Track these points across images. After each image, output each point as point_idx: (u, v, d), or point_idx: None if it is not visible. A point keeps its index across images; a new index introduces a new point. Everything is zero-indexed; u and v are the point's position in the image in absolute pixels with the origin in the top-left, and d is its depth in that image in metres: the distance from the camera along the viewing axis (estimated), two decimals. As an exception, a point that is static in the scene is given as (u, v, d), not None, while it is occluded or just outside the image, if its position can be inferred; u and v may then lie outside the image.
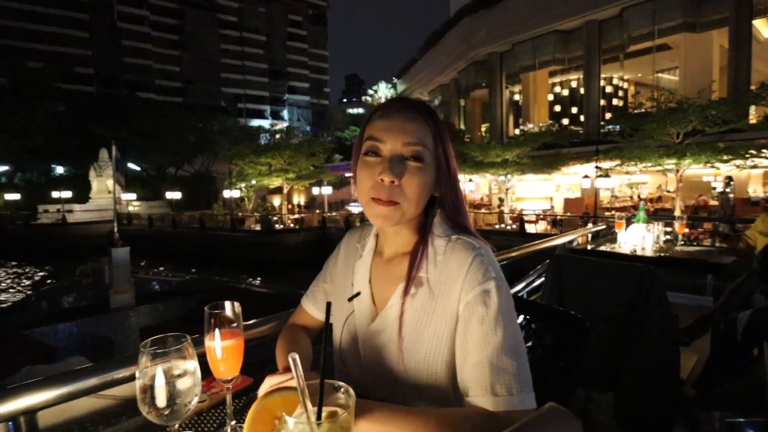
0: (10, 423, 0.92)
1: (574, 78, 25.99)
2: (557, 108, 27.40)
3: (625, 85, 26.68)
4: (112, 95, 42.49)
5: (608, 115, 23.46)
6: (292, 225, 20.52)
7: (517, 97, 28.72)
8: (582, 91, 24.15)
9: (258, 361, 1.17)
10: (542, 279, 2.47)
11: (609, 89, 25.65)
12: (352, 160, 0.91)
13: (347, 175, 30.39)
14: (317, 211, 24.41)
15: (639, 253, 2.94)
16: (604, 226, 4.32)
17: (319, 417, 0.54)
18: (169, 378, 0.73)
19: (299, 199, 33.00)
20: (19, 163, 33.77)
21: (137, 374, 0.73)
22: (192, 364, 0.74)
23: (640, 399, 1.86)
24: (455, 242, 0.85)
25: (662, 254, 2.87)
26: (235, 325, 0.81)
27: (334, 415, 0.53)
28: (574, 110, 26.19)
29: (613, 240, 3.43)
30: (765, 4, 17.79)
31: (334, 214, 21.76)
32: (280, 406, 0.59)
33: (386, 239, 0.94)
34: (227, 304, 0.81)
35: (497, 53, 26.75)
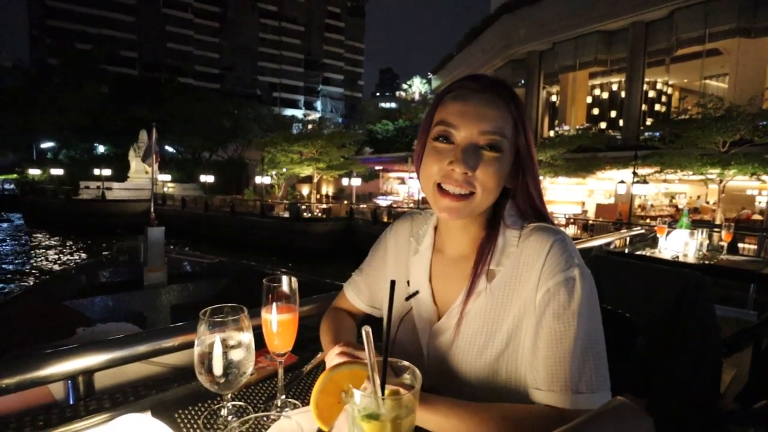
0: (69, 381, 0.97)
1: (616, 81, 25.16)
2: (595, 111, 26.61)
3: (670, 91, 25.66)
4: (154, 79, 43.80)
5: (649, 121, 22.62)
6: (319, 214, 20.72)
7: (554, 97, 28.05)
8: (623, 94, 23.35)
9: (301, 339, 1.19)
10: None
11: (652, 94, 24.72)
12: (416, 143, 0.85)
13: (377, 168, 30.46)
14: (345, 202, 24.58)
15: (681, 259, 2.83)
16: (643, 230, 4.19)
17: (382, 393, 0.54)
18: (226, 347, 0.75)
19: (328, 189, 33.31)
20: (65, 141, 35.36)
21: (196, 341, 0.75)
22: (247, 336, 0.76)
23: (676, 408, 1.80)
24: (531, 231, 0.79)
25: (706, 262, 2.76)
26: (291, 299, 0.82)
27: (398, 394, 0.53)
28: (613, 114, 25.38)
29: (653, 245, 3.32)
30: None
31: (361, 206, 21.85)
32: (347, 379, 0.60)
33: (449, 235, 0.87)
34: (284, 278, 0.82)
35: (536, 52, 26.15)
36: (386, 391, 0.54)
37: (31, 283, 12.00)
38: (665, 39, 21.03)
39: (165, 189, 29.72)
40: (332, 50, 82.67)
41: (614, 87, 25.58)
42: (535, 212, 0.83)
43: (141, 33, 60.68)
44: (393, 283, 0.62)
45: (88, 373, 0.95)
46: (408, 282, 0.90)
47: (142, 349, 1.01)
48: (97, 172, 27.54)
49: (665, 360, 1.82)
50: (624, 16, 21.50)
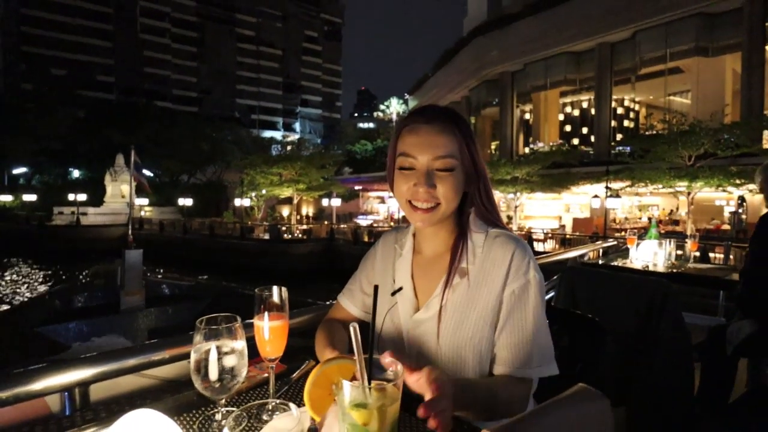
0: (66, 394, 0.99)
1: (585, 98, 26.08)
2: (568, 128, 27.45)
3: (637, 107, 26.69)
4: (131, 103, 43.30)
5: (619, 137, 23.46)
6: (300, 235, 20.61)
7: (527, 116, 28.85)
8: (593, 111, 24.23)
9: (288, 351, 1.23)
10: (553, 293, 2.50)
11: (620, 110, 25.68)
12: (387, 168, 1.01)
13: (356, 188, 30.57)
14: (325, 222, 24.52)
15: (651, 269, 2.96)
16: (615, 242, 4.35)
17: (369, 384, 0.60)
18: (220, 354, 0.80)
19: (308, 210, 33.19)
20: (38, 166, 34.50)
21: (192, 349, 0.79)
22: (240, 344, 0.81)
23: (653, 414, 1.86)
24: (496, 236, 0.96)
25: (674, 270, 2.89)
26: (281, 308, 0.88)
27: (383, 387, 0.59)
28: (585, 130, 26.22)
29: (624, 256, 3.45)
30: (779, 31, 17.84)
31: (342, 225, 21.84)
32: (336, 373, 0.67)
33: (424, 239, 1.03)
34: (275, 288, 0.88)
35: (509, 72, 26.99)
36: (372, 384, 0.60)
37: (2, 310, 11.55)
38: (630, 59, 22.04)
39: (142, 213, 29.17)
40: (310, 72, 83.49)
41: (584, 104, 26.49)
42: (488, 210, 1.00)
43: (118, 58, 60.28)
44: (376, 288, 0.72)
45: (85, 385, 0.98)
46: (394, 280, 1.04)
47: (136, 361, 1.04)
48: (71, 197, 26.92)
49: (639, 366, 1.90)
50: (590, 38, 22.48)
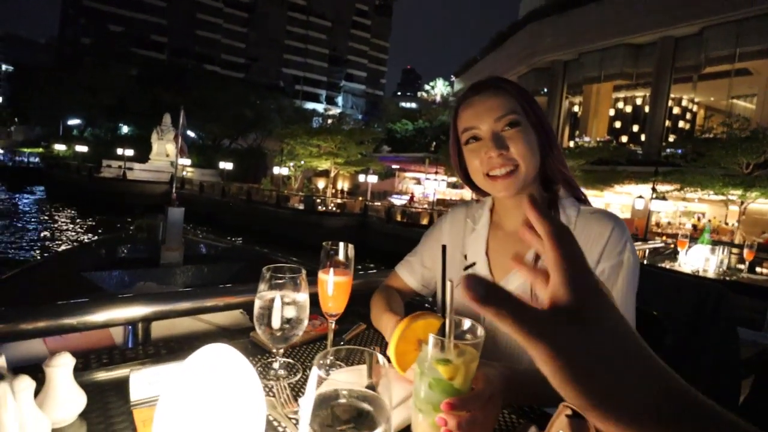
0: (129, 327, 1.05)
1: (640, 95, 24.85)
2: (617, 124, 26.31)
3: (695, 108, 25.26)
4: (181, 64, 44.39)
5: (672, 138, 22.31)
6: (334, 208, 20.81)
7: (576, 108, 27.81)
8: (647, 109, 23.08)
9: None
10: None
11: (676, 110, 24.37)
12: (451, 155, 0.99)
13: (394, 166, 30.48)
14: (360, 198, 24.64)
15: (701, 274, 2.84)
16: (662, 244, 4.18)
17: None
18: (284, 303, 0.81)
19: (344, 184, 33.42)
20: (91, 119, 36.06)
21: (257, 296, 0.81)
22: (303, 296, 0.83)
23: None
24: (592, 212, 0.90)
25: (726, 278, 2.77)
26: (347, 265, 0.89)
27: (468, 345, 0.61)
28: (635, 128, 25.08)
29: (672, 259, 3.32)
30: None
31: (376, 203, 21.89)
32: (422, 328, 0.68)
33: (506, 212, 0.98)
34: (341, 244, 0.88)
35: (561, 61, 25.95)
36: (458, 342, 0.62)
37: (50, 254, 12.32)
38: (694, 56, 20.74)
39: (184, 173, 30.12)
40: (357, 47, 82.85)
41: (638, 101, 25.26)
42: (567, 178, 0.94)
43: (171, 18, 61.53)
44: (444, 247, 0.71)
45: (146, 320, 1.03)
46: (465, 256, 1.00)
47: (192, 304, 1.08)
48: (119, 151, 28.04)
49: (685, 368, 1.83)
50: (653, 31, 21.24)
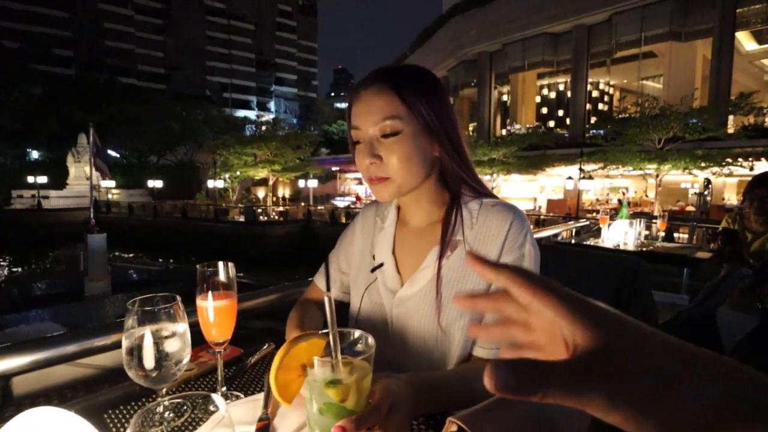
0: (-17, 387, 0.88)
1: (562, 81, 26.34)
2: (544, 110, 27.75)
3: (611, 90, 27.14)
4: (92, 79, 41.14)
5: (593, 119, 23.87)
6: (276, 217, 20.33)
7: (505, 97, 28.98)
8: (569, 94, 24.50)
9: (248, 334, 1.15)
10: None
11: (595, 93, 26.07)
12: (351, 154, 0.92)
13: (334, 168, 30.28)
14: (302, 204, 24.24)
15: (621, 247, 2.99)
16: (588, 222, 4.39)
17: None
18: (158, 339, 0.70)
19: (284, 191, 32.74)
20: (-7, 146, 32.68)
21: (124, 334, 0.70)
22: (182, 326, 0.72)
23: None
24: (492, 205, 0.88)
25: (644, 249, 2.92)
26: (228, 286, 0.79)
27: (356, 361, 0.56)
28: (561, 113, 26.56)
29: (597, 235, 3.48)
30: (748, 18, 18.29)
31: (319, 207, 21.64)
32: (305, 351, 0.61)
33: (408, 210, 0.95)
34: (221, 264, 0.78)
35: (487, 53, 26.93)
36: (345, 359, 0.57)
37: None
38: (606, 41, 22.27)
39: (109, 196, 28.16)
40: (284, 49, 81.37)
41: (561, 87, 26.77)
42: (465, 176, 0.89)
43: (76, 30, 57.06)
44: (327, 259, 0.70)
45: (4, 377, 0.87)
46: (373, 257, 0.96)
47: (67, 349, 0.93)
48: (31, 179, 25.69)
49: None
50: (568, 19, 22.57)
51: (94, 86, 36.02)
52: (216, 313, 0.76)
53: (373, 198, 0.96)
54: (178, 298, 0.72)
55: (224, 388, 0.80)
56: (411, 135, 0.81)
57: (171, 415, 0.73)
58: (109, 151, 30.67)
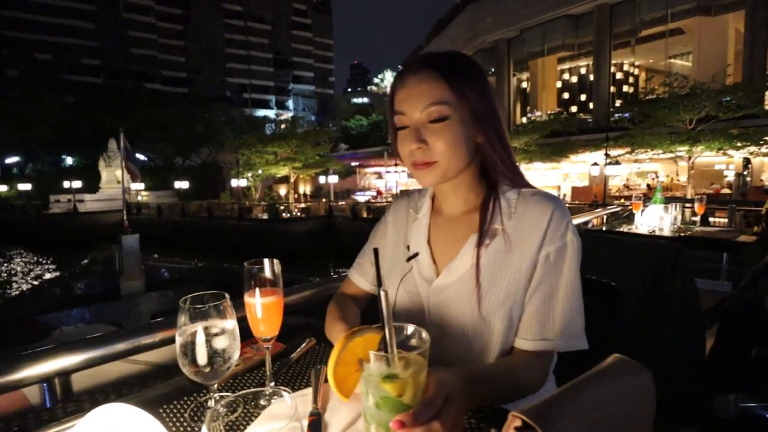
0: (45, 384, 0.92)
1: (584, 64, 25.60)
2: (566, 95, 27.04)
3: (636, 72, 26.24)
4: (119, 86, 42.40)
5: (618, 102, 23.15)
6: (298, 214, 20.54)
7: (524, 84, 28.39)
8: (591, 77, 23.81)
9: (286, 330, 1.16)
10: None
11: (619, 75, 25.24)
12: (391, 141, 0.92)
13: (353, 164, 30.36)
14: (323, 200, 24.43)
15: (657, 233, 2.89)
16: (618, 209, 4.27)
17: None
18: (209, 335, 0.72)
19: (305, 188, 33.03)
20: (29, 154, 34.10)
21: (177, 332, 0.72)
22: (231, 323, 0.73)
23: (664, 378, 1.82)
24: (532, 195, 0.88)
25: (681, 234, 2.82)
26: (275, 283, 0.80)
27: (412, 355, 0.56)
28: (583, 97, 25.84)
29: (629, 222, 3.39)
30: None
31: (340, 202, 21.76)
32: (361, 346, 0.62)
33: (445, 198, 0.95)
34: (266, 261, 0.79)
35: (504, 40, 26.39)
36: (401, 353, 0.58)
37: (1, 300, 11.58)
38: (629, 20, 21.50)
39: (139, 198, 29.00)
40: (301, 48, 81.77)
41: (583, 71, 26.02)
42: (506, 166, 0.89)
43: (103, 40, 58.80)
44: (376, 251, 0.70)
45: (65, 374, 0.91)
46: (408, 247, 0.96)
47: (120, 347, 0.97)
48: (67, 184, 26.68)
49: (650, 329, 1.85)
50: (588, 0, 21.89)
51: (122, 93, 37.11)
52: (264, 309, 0.77)
53: (393, 191, 0.95)
54: (227, 295, 0.74)
55: (272, 384, 0.81)
56: (458, 121, 0.82)
57: (243, 408, 0.75)
58: (137, 155, 31.53)
